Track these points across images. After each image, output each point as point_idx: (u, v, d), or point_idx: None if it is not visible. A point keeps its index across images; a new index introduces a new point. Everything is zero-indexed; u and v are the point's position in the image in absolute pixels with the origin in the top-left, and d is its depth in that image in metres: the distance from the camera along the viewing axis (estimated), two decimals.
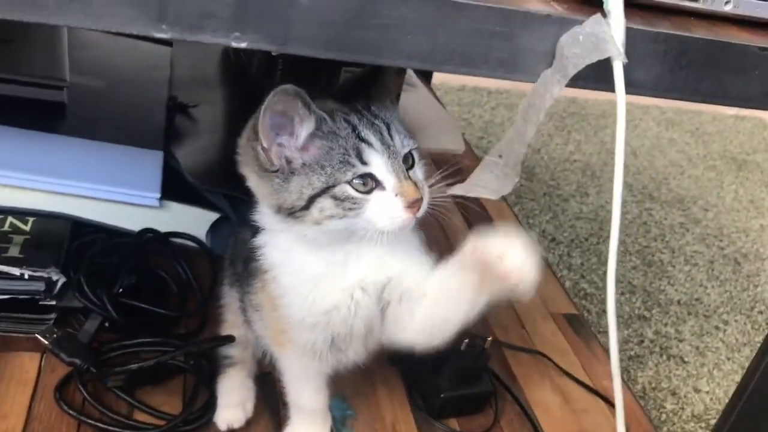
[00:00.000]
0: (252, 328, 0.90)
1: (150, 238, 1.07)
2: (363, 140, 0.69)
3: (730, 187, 2.37)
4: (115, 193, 1.04)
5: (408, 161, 0.72)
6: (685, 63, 0.58)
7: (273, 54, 0.55)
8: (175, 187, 1.11)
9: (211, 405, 0.92)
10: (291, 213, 0.70)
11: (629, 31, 0.57)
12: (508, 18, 0.54)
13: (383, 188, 0.69)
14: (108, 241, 1.05)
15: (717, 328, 1.69)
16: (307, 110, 0.67)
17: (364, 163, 0.68)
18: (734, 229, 2.12)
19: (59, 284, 0.96)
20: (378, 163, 0.69)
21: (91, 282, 0.97)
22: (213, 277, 1.07)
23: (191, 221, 1.10)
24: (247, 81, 1.38)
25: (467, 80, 2.64)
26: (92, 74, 1.19)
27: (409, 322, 0.75)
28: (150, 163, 1.10)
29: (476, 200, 1.52)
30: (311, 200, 0.68)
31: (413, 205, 0.69)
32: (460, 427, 0.99)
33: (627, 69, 0.57)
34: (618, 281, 1.77)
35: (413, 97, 1.47)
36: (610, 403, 1.08)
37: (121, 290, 0.99)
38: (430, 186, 0.73)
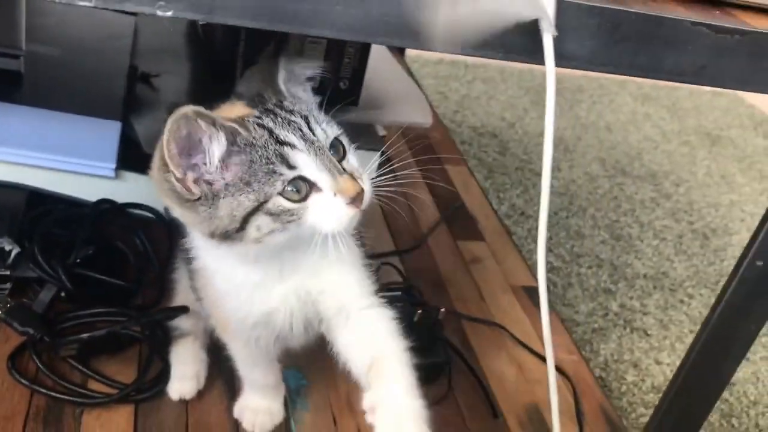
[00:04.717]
0: (201, 308, 0.89)
1: (107, 208, 1.07)
2: (284, 143, 0.64)
3: (703, 162, 2.38)
4: (70, 163, 1.04)
5: (339, 150, 0.68)
6: (620, 37, 0.59)
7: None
8: (134, 157, 1.10)
9: (164, 375, 0.93)
10: (226, 237, 0.65)
11: (562, 4, 0.57)
12: None
13: (319, 189, 0.65)
14: (64, 211, 1.04)
15: (682, 301, 1.70)
16: (213, 127, 0.61)
17: (291, 167, 0.64)
18: (704, 204, 2.14)
19: (13, 254, 0.96)
20: (306, 164, 0.64)
21: (47, 252, 0.97)
22: (171, 249, 1.07)
23: (151, 192, 1.09)
24: (212, 51, 1.36)
25: (445, 54, 2.61)
26: (50, 42, 1.17)
27: (338, 337, 0.75)
28: (107, 134, 1.09)
29: (442, 176, 1.54)
30: (245, 220, 0.64)
31: (355, 199, 0.65)
32: None
33: (559, 42, 0.57)
34: (585, 255, 1.78)
35: (379, 70, 1.46)
36: (566, 375, 1.10)
37: (77, 261, 0.99)
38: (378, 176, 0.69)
